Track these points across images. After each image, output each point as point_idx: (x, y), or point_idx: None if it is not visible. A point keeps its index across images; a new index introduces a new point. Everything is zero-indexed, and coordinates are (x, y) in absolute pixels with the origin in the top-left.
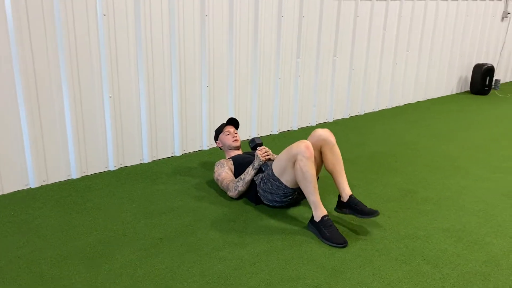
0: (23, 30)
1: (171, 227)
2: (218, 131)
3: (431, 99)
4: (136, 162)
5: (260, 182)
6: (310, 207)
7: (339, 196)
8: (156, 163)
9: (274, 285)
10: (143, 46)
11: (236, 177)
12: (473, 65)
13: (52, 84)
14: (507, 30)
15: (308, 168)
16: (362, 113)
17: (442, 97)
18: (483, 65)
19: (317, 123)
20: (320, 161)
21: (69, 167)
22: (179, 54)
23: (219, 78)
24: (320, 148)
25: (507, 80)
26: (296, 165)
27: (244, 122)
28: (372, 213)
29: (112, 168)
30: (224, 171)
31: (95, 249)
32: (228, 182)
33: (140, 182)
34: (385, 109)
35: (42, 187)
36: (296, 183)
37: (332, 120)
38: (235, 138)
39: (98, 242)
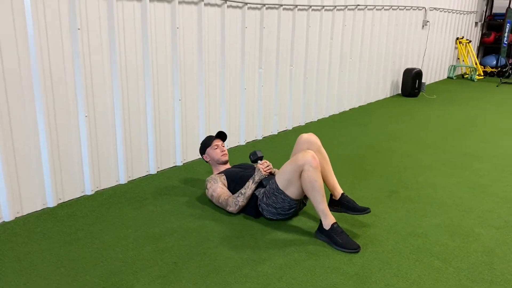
0: None
1: (180, 250)
2: (206, 145)
3: (371, 103)
4: (112, 184)
5: (263, 196)
6: (309, 217)
7: (331, 195)
8: (133, 183)
9: None
10: (117, 60)
11: (230, 192)
12: (403, 69)
13: (26, 105)
14: (427, 37)
15: (316, 177)
16: (316, 119)
17: (379, 100)
18: (412, 69)
19: (278, 132)
20: None
21: (44, 195)
22: (152, 68)
23: (191, 91)
24: None
25: (428, 82)
26: (303, 175)
27: (214, 134)
28: (364, 209)
29: (89, 192)
30: (218, 186)
31: (109, 281)
32: (226, 197)
33: (126, 205)
34: (334, 114)
35: (17, 219)
36: (301, 194)
37: (291, 128)
38: (224, 153)
39: (109, 274)
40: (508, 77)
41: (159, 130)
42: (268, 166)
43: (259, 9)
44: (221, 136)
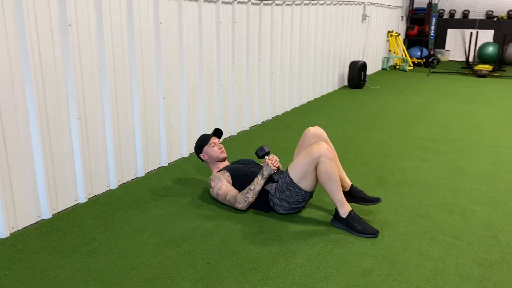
0: None
1: (207, 250)
2: (203, 143)
3: (324, 95)
4: (104, 189)
5: (275, 191)
6: (318, 207)
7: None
8: (125, 187)
9: (353, 283)
10: (105, 57)
11: (236, 189)
12: (348, 62)
13: (19, 106)
14: (367, 31)
15: (333, 169)
16: (280, 113)
17: (330, 93)
18: (357, 62)
19: (250, 127)
20: None
21: (38, 206)
22: (138, 65)
23: (174, 88)
24: None
25: (368, 73)
26: (320, 168)
27: (195, 133)
28: (375, 200)
29: (82, 200)
30: (223, 184)
31: None
32: (234, 194)
33: (129, 210)
34: (295, 107)
35: (13, 235)
36: (314, 186)
37: (260, 123)
38: (222, 150)
39: (146, 281)
40: (435, 67)
41: (145, 131)
42: (276, 161)
43: (231, 3)
44: (217, 133)
